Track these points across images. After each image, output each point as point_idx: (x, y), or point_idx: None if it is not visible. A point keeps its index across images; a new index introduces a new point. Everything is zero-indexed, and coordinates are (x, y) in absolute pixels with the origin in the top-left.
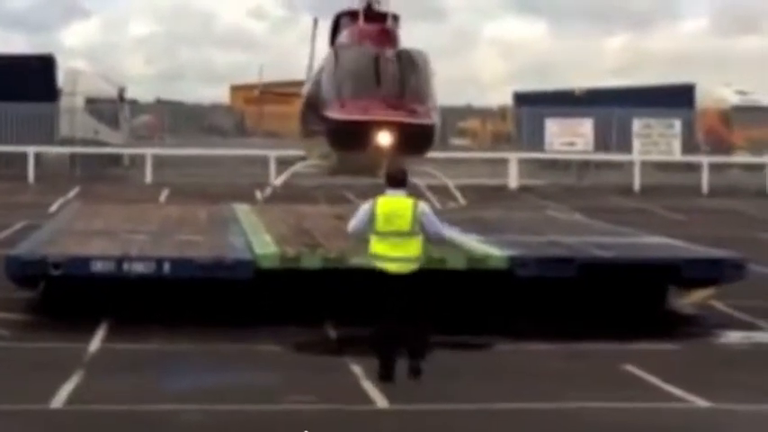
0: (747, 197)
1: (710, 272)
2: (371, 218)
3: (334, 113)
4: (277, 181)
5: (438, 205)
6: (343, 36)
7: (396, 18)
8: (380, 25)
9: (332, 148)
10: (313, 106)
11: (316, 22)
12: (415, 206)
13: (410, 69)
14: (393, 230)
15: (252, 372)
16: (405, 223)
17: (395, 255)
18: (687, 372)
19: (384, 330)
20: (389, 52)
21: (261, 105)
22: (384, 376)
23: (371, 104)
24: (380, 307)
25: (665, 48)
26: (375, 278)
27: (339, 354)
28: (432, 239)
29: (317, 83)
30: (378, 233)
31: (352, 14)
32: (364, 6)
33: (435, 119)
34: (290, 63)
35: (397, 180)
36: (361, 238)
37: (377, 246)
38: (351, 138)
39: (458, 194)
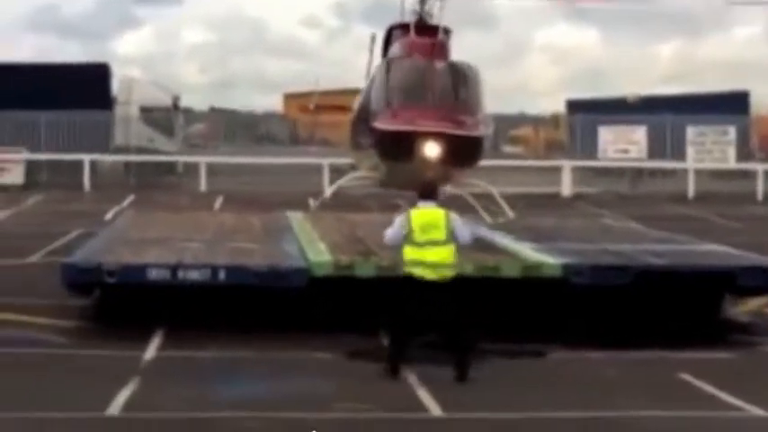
0: None
1: (766, 280)
2: (407, 229)
3: (382, 124)
4: (327, 192)
5: (488, 219)
6: (395, 48)
7: (447, 32)
8: (431, 38)
9: (380, 159)
10: (363, 118)
11: (373, 37)
12: (447, 216)
13: (459, 81)
14: (429, 240)
15: (306, 379)
16: (440, 233)
17: (432, 260)
18: (743, 380)
19: (403, 332)
20: (439, 64)
21: (315, 116)
22: (393, 371)
23: (419, 115)
24: (402, 310)
25: (718, 55)
26: (408, 283)
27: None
28: (463, 245)
29: (368, 95)
30: (414, 243)
31: (404, 27)
32: (416, 19)
33: (484, 131)
34: (343, 71)
35: (429, 192)
36: (397, 248)
37: (412, 254)
38: (398, 149)
39: (506, 207)
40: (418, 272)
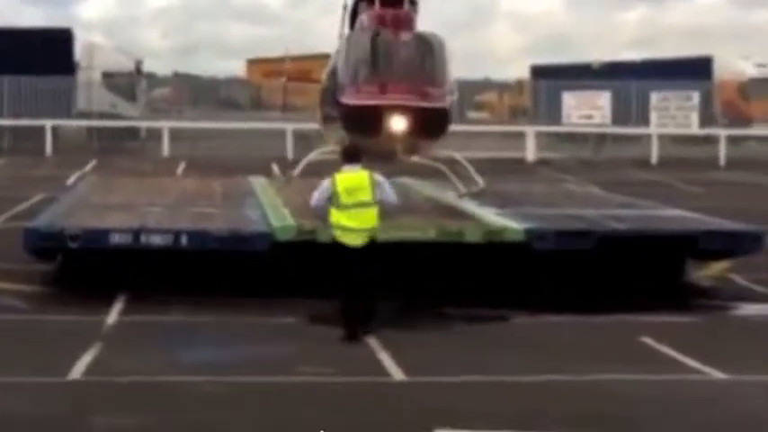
0: (765, 170)
1: (728, 244)
2: (333, 193)
3: (348, 99)
4: (296, 169)
5: (462, 188)
6: (361, 20)
7: (413, 2)
8: (396, 9)
9: (347, 133)
10: (329, 92)
11: (345, 5)
12: (372, 177)
13: (425, 52)
14: (356, 202)
15: (268, 344)
16: (366, 194)
17: (355, 226)
18: (704, 344)
19: (349, 297)
20: (405, 36)
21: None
22: (351, 337)
23: (385, 89)
24: (342, 277)
25: (682, 20)
26: (336, 250)
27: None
28: (390, 206)
29: (334, 68)
30: (341, 206)
31: (370, 0)
32: None
33: (450, 102)
34: (307, 36)
35: (353, 156)
36: (322, 213)
37: (340, 217)
38: (365, 123)
39: (477, 177)
40: (345, 239)
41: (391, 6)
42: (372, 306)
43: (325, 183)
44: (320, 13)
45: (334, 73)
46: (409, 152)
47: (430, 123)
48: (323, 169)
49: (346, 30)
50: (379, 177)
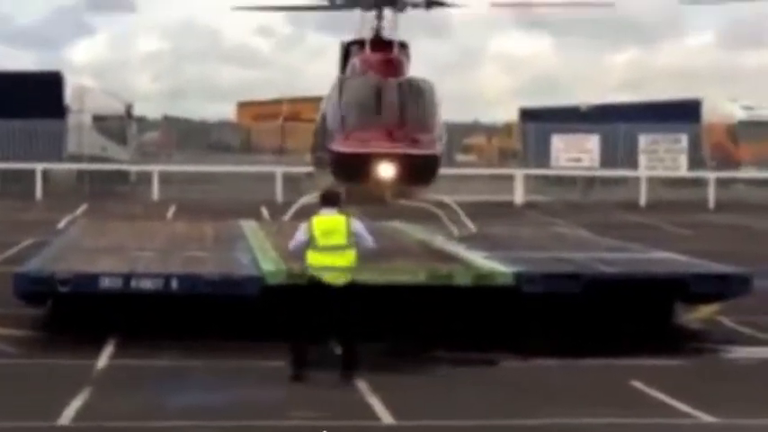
0: (754, 212)
1: (717, 287)
2: (310, 236)
3: (337, 146)
4: (286, 216)
5: (456, 232)
6: (351, 65)
7: (404, 46)
8: (386, 54)
9: (336, 179)
10: (320, 137)
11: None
12: (348, 221)
13: (414, 99)
14: (331, 245)
15: (258, 388)
16: (341, 237)
17: (332, 264)
18: (693, 387)
19: (303, 336)
20: (394, 81)
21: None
22: (298, 377)
23: (374, 136)
24: (300, 314)
25: (670, 63)
26: (309, 287)
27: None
28: (366, 250)
29: (323, 114)
30: (316, 248)
31: (361, 43)
32: (372, 35)
33: (439, 149)
34: (297, 80)
35: (331, 200)
36: (300, 255)
37: (315, 258)
38: (354, 170)
39: (470, 223)
40: (317, 273)
41: (382, 51)
42: (354, 349)
43: (303, 226)
44: (310, 56)
45: (323, 118)
46: (398, 197)
47: (420, 170)
48: (313, 212)
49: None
50: (356, 222)
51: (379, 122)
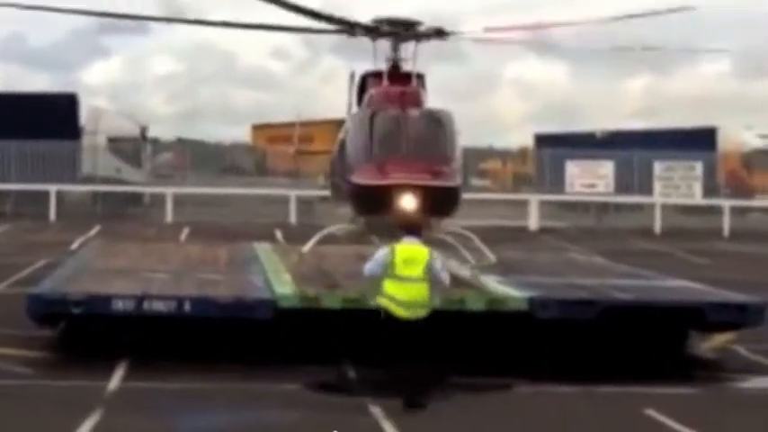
0: None
1: (732, 316)
2: (389, 262)
3: (357, 178)
4: (305, 248)
5: (473, 260)
6: (368, 97)
7: (421, 77)
8: (405, 86)
9: (356, 212)
10: (338, 167)
11: (352, 75)
12: (429, 254)
13: (435, 130)
14: (408, 275)
15: (271, 411)
16: (419, 269)
17: (408, 299)
18: (707, 416)
19: (411, 370)
20: (413, 113)
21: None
22: (414, 406)
23: (395, 168)
24: (395, 349)
25: (686, 89)
26: (386, 322)
27: (358, 394)
28: (438, 288)
29: (343, 146)
30: (394, 277)
31: (378, 75)
32: (389, 66)
33: (460, 180)
34: (311, 102)
35: (414, 229)
36: (375, 280)
37: (391, 288)
38: (375, 202)
39: (489, 253)
40: (394, 309)
41: (399, 83)
42: (428, 379)
43: (382, 251)
44: (324, 79)
45: (343, 150)
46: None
47: (440, 202)
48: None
49: (354, 100)
50: (436, 256)
51: (400, 154)
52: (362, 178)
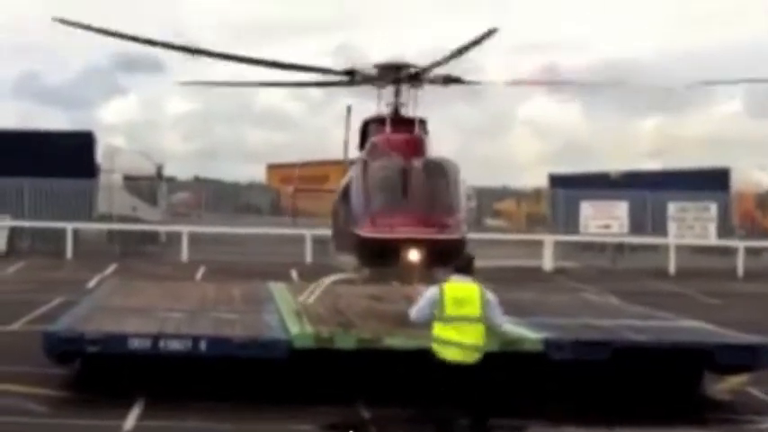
0: None
1: (746, 358)
2: (438, 303)
3: (361, 231)
4: (310, 298)
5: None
6: (370, 144)
7: (423, 122)
8: (407, 133)
9: (361, 263)
10: (342, 219)
11: (349, 109)
12: (483, 292)
13: (439, 181)
14: (462, 315)
15: None
16: (474, 309)
17: (462, 341)
18: None
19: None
20: (417, 163)
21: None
22: None
23: (400, 221)
24: (440, 393)
25: (699, 130)
26: (438, 366)
27: None
28: (494, 328)
29: (345, 195)
30: (445, 318)
31: (380, 121)
32: (391, 112)
33: (464, 231)
34: (326, 143)
35: (464, 266)
36: (425, 324)
37: (443, 331)
38: (380, 255)
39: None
40: (447, 354)
41: (402, 129)
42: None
43: (430, 292)
44: (338, 119)
45: (345, 196)
46: (423, 280)
47: (445, 254)
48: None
49: (350, 137)
50: (489, 294)
51: (405, 207)
52: (367, 231)
